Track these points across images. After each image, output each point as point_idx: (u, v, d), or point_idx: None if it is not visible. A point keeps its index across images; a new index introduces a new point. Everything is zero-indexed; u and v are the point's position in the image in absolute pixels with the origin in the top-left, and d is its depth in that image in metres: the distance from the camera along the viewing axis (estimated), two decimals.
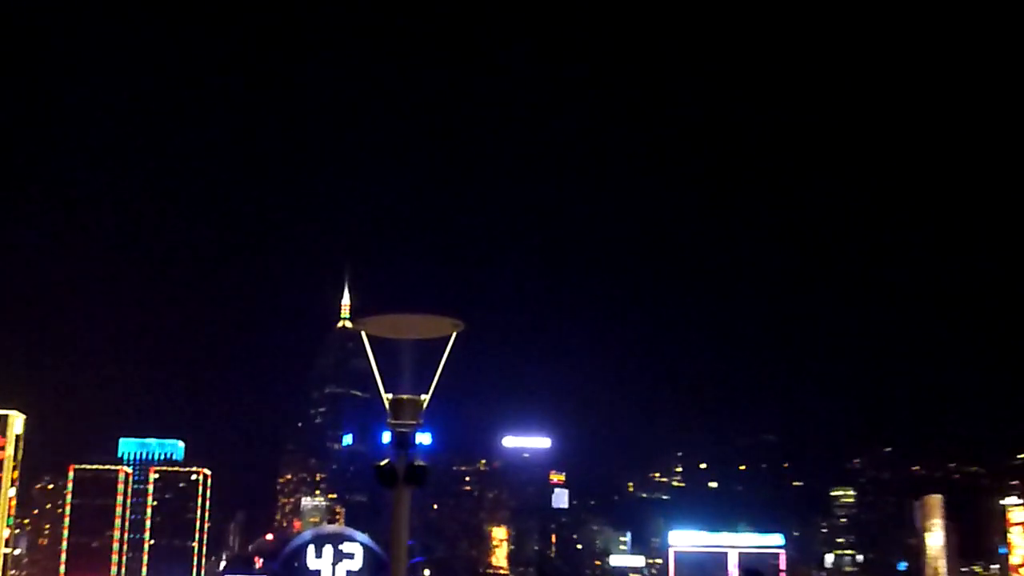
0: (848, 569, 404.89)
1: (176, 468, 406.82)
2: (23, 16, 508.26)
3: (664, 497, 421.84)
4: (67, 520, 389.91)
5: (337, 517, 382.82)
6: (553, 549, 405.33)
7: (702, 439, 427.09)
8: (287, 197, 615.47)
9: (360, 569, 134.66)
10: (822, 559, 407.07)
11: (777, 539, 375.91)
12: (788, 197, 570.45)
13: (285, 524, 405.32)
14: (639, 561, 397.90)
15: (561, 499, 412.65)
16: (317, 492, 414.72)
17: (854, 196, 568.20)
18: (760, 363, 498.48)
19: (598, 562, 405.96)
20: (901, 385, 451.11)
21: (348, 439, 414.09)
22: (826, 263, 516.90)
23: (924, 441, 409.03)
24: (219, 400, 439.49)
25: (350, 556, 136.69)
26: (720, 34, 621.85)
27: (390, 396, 37.51)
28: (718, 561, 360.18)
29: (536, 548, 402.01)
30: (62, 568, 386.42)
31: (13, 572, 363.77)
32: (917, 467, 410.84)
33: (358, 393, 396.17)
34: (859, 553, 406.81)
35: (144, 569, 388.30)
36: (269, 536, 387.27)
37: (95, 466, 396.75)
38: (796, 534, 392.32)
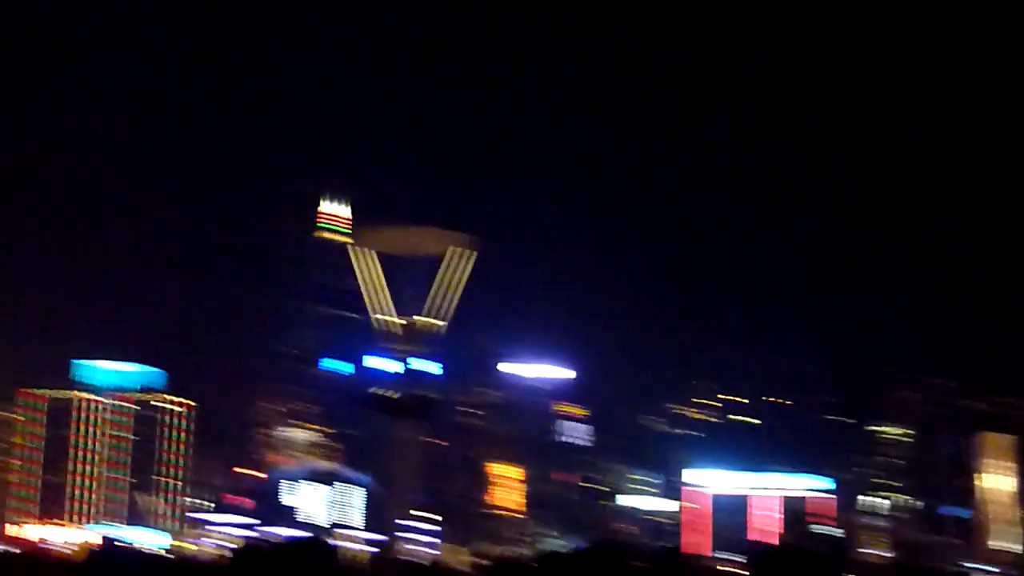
0: (895, 514, 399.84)
1: (156, 397, 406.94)
2: None
3: (698, 434, 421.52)
4: (42, 456, 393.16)
5: (329, 453, 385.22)
6: (575, 494, 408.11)
7: (736, 370, 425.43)
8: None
9: (355, 508, 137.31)
10: (862, 502, 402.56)
11: (824, 483, 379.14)
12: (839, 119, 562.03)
13: (269, 459, 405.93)
14: (673, 506, 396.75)
15: (583, 435, 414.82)
16: (305, 424, 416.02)
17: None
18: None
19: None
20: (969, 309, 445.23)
21: (340, 365, 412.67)
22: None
23: (991, 375, 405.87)
24: (197, 325, 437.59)
25: (345, 495, 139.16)
26: None
27: (399, 320, 37.59)
28: (741, 505, 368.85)
29: (554, 491, 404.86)
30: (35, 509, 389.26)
31: None
32: (982, 402, 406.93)
33: (351, 315, 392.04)
34: (907, 497, 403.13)
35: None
36: (254, 473, 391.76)
37: (56, 392, 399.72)
38: (838, 475, 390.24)
